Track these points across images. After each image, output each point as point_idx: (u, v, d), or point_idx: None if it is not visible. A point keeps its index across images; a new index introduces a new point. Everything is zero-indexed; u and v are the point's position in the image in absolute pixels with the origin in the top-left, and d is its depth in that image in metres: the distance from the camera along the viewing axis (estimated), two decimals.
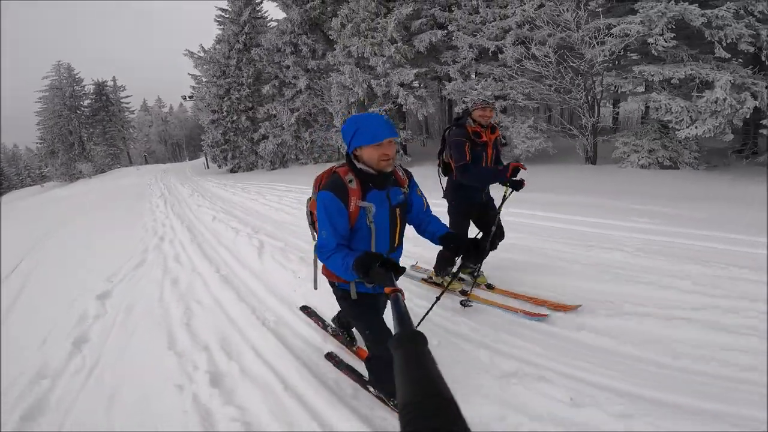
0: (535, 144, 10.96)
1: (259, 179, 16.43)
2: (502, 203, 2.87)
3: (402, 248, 1.93)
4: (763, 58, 8.21)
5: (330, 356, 2.46)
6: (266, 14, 24.44)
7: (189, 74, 27.26)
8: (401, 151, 15.45)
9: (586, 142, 10.54)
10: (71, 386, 2.55)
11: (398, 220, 1.80)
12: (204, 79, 25.18)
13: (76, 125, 41.59)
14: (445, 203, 3.13)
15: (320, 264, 1.89)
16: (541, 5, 10.25)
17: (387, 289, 1.20)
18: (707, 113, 7.70)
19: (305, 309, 3.07)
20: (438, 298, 2.42)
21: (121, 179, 27.88)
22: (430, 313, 2.42)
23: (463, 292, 3.04)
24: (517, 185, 2.76)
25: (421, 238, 1.99)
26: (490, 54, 12.17)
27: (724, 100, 7.42)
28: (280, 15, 20.02)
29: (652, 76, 8.41)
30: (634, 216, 4.85)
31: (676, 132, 8.27)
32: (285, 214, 7.07)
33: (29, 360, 2.98)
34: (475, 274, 3.12)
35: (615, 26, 8.77)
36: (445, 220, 2.44)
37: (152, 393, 2.34)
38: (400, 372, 0.56)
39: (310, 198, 1.94)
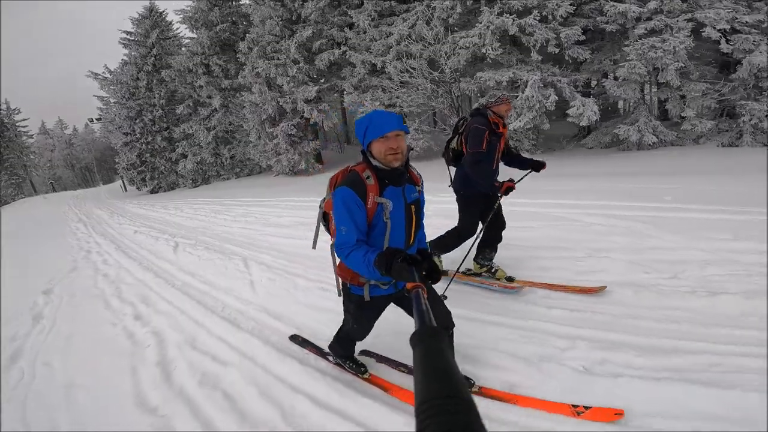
0: (420, 143, 13.18)
1: (180, 197, 17.11)
2: (495, 209, 3.12)
3: (417, 246, 1.97)
4: (567, 57, 10.90)
5: (294, 338, 2.83)
6: (178, 32, 24.33)
7: (95, 96, 26.56)
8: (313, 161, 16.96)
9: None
10: (38, 340, 3.68)
11: (413, 218, 1.84)
12: (112, 101, 24.79)
13: None
14: (445, 198, 3.41)
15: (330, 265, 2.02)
16: (415, 24, 12.36)
17: (409, 285, 1.20)
18: (524, 108, 10.25)
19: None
20: (452, 278, 2.46)
21: (30, 210, 26.19)
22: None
23: (510, 279, 3.25)
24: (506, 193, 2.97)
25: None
26: (378, 68, 14.15)
27: (533, 96, 9.97)
28: None
29: (487, 81, 10.83)
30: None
31: (508, 125, 10.78)
32: (198, 222, 8.43)
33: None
34: (493, 270, 3.33)
35: (461, 39, 11.05)
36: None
37: (95, 331, 3.63)
38: (419, 369, 0.56)
39: (325, 199, 1.94)
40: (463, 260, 2.32)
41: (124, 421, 2.33)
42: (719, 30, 9.61)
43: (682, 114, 10.58)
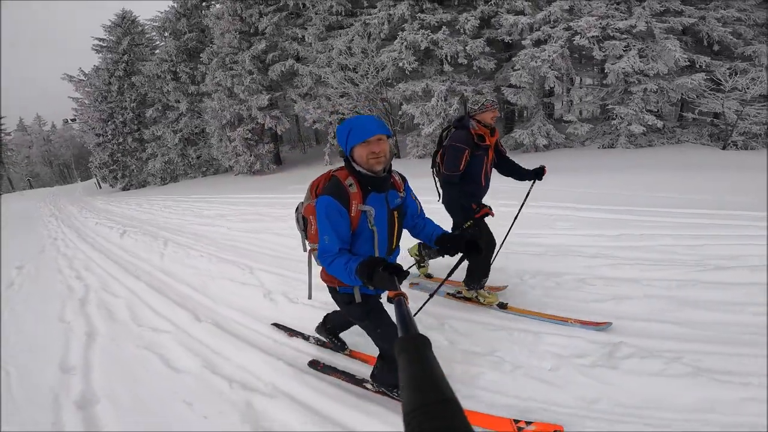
0: None
1: (146, 195, 18.66)
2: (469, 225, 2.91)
3: (399, 251, 2.00)
4: (475, 68, 12.55)
5: (313, 363, 2.54)
6: (153, 36, 25.15)
7: (70, 97, 27.72)
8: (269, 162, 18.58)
9: (390, 141, 14.74)
10: (9, 296, 5.34)
11: (396, 223, 1.86)
12: (86, 102, 26.03)
13: None
14: (434, 202, 3.15)
15: (315, 271, 2.02)
16: (352, 39, 14.03)
17: (390, 293, 1.20)
18: (433, 115, 12.08)
19: (277, 325, 2.95)
20: (431, 295, 2.35)
21: (8, 206, 27.31)
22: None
23: (501, 305, 3.02)
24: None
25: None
26: (323, 79, 15.80)
27: (438, 104, 11.80)
28: None
29: (405, 91, 12.63)
30: None
31: (422, 130, 12.58)
32: (150, 215, 10.18)
33: None
34: (480, 299, 3.09)
35: (384, 54, 12.78)
36: (439, 219, 2.49)
37: (47, 288, 5.30)
38: (406, 376, 0.57)
39: (303, 203, 1.96)
40: (452, 271, 2.39)
41: (48, 328, 3.97)
42: (592, 37, 10.70)
43: (565, 118, 12.45)
